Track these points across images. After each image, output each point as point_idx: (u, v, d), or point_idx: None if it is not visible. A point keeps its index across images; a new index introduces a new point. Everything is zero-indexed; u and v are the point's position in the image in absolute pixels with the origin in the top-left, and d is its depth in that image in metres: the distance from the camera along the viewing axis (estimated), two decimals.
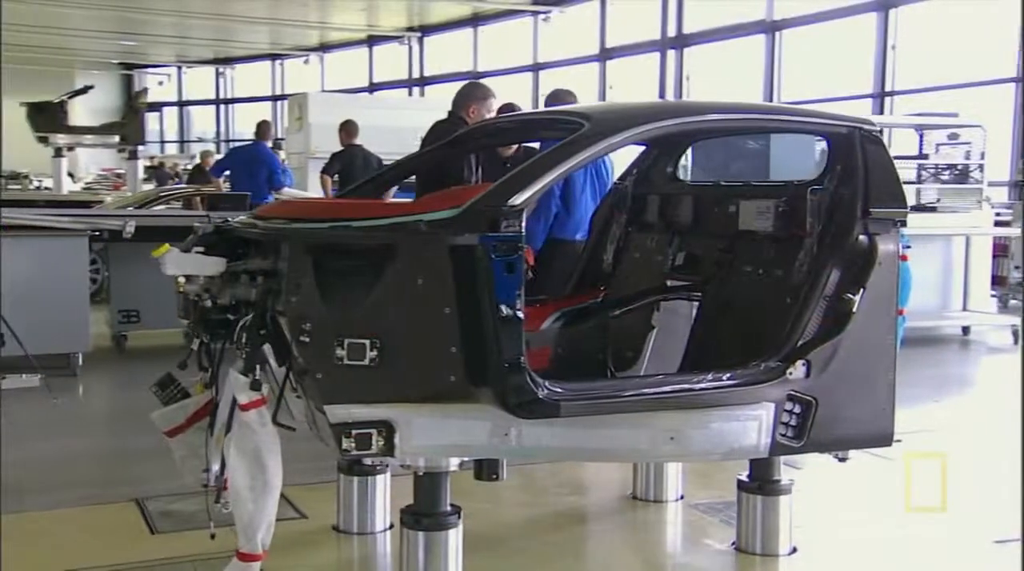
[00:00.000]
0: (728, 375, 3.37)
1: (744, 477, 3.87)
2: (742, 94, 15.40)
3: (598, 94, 17.61)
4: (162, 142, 29.09)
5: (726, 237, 4.01)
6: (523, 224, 3.05)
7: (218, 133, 26.68)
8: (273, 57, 25.86)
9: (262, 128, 10.62)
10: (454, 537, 3.36)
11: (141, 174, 17.47)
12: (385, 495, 4.01)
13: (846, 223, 3.49)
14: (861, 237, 3.49)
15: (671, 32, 16.25)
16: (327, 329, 3.03)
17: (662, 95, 16.31)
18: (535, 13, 18.80)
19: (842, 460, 3.67)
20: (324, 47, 24.64)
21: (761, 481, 3.82)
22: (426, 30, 21.64)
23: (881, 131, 3.63)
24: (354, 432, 3.10)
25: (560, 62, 18.77)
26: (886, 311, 3.50)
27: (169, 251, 3.12)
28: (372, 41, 23.05)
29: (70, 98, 16.90)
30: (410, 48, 21.90)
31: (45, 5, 19.76)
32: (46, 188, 18.63)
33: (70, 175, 18.22)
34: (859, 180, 3.52)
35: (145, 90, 22.39)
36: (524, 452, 3.27)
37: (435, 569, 3.33)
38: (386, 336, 3.05)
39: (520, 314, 3.03)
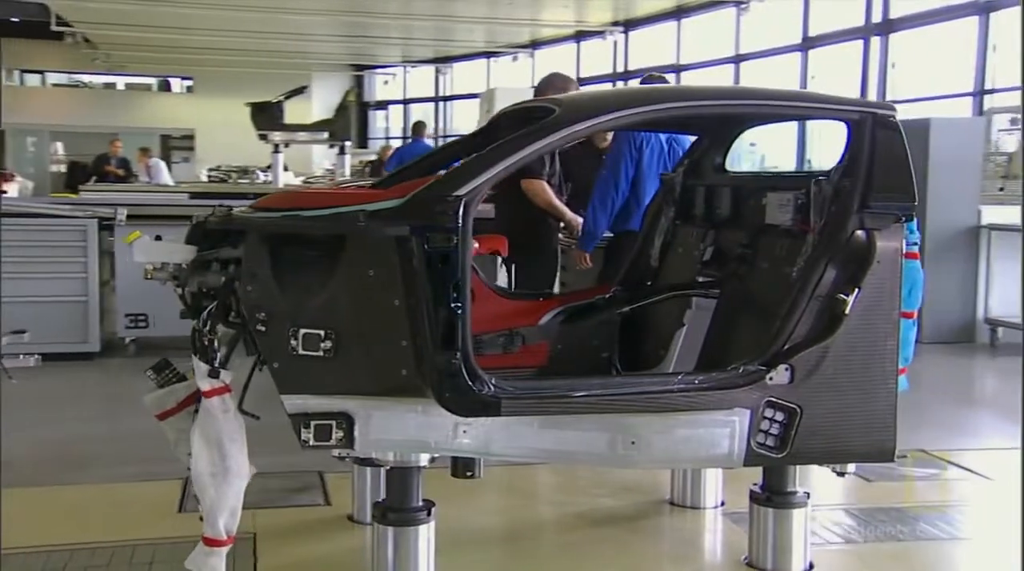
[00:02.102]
0: (700, 378, 3.18)
1: (757, 487, 3.64)
2: (950, 81, 14.33)
3: (799, 85, 16.89)
4: (387, 138, 30.27)
5: (750, 231, 3.79)
6: (462, 214, 2.98)
7: (436, 129, 27.49)
8: (487, 55, 26.40)
9: (418, 127, 10.93)
10: (424, 533, 3.33)
11: (348, 168, 18.26)
12: None
13: (841, 217, 3.21)
14: (858, 233, 3.20)
15: (876, 17, 15.35)
16: (282, 318, 3.08)
17: (864, 85, 15.45)
18: (736, 3, 18.25)
19: (840, 475, 3.39)
20: (534, 44, 24.90)
21: (771, 492, 3.57)
22: (631, 24, 21.46)
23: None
24: (313, 423, 3.13)
25: (761, 53, 18.13)
26: (886, 314, 3.20)
27: (139, 238, 3.25)
28: (579, 37, 23.09)
29: (287, 98, 17.92)
30: (615, 43, 21.79)
31: (287, 14, 20.96)
32: (267, 182, 19.83)
33: (285, 169, 19.24)
34: (862, 170, 3.23)
35: (353, 89, 23.40)
36: (484, 451, 3.19)
37: (403, 565, 3.31)
38: (340, 327, 3.06)
39: (457, 307, 2.97)
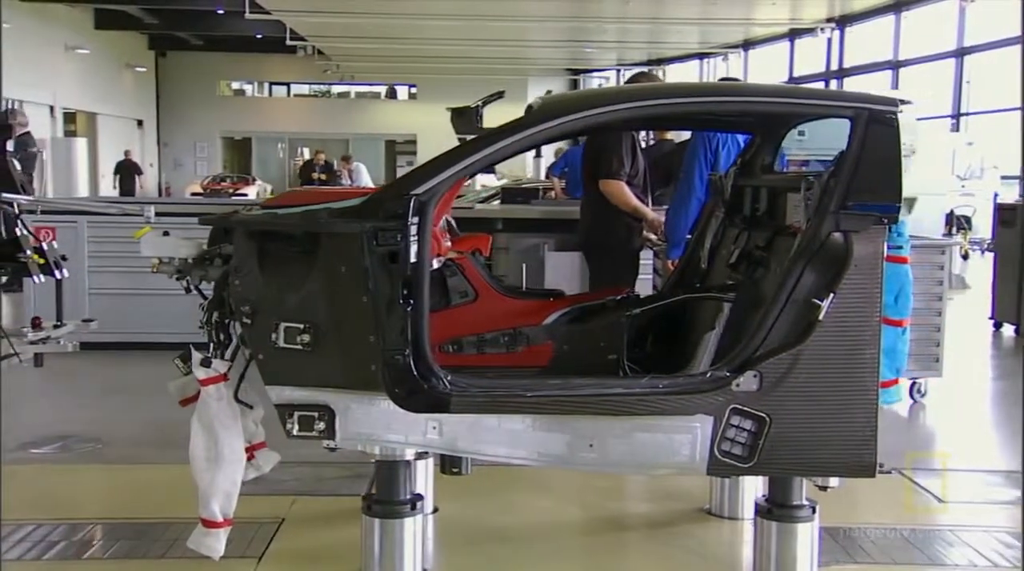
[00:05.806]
0: (664, 382, 3.09)
1: (762, 498, 3.47)
2: None
3: (1021, 79, 15.65)
4: None
5: (769, 233, 3.63)
6: (415, 213, 3.02)
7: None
8: (700, 56, 26.05)
9: None
10: (410, 526, 3.40)
11: (542, 171, 18.55)
12: (427, 479, 4.09)
13: (817, 218, 3.04)
14: (835, 235, 3.01)
15: None
16: (265, 312, 3.22)
17: None
18: None
19: (823, 489, 3.18)
20: (747, 44, 24.36)
21: (774, 504, 3.40)
22: (846, 20, 20.56)
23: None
24: (297, 414, 3.26)
25: (986, 45, 16.92)
26: (865, 321, 3.00)
27: (147, 233, 3.49)
28: (793, 35, 22.37)
29: (484, 103, 18.34)
30: (829, 40, 20.94)
31: (506, 21, 21.53)
32: (468, 184, 20.42)
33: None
34: (847, 169, 3.04)
35: (549, 92, 23.63)
36: (452, 448, 3.24)
37: (388, 557, 3.40)
38: (317, 322, 3.17)
39: (407, 303, 3.01)
